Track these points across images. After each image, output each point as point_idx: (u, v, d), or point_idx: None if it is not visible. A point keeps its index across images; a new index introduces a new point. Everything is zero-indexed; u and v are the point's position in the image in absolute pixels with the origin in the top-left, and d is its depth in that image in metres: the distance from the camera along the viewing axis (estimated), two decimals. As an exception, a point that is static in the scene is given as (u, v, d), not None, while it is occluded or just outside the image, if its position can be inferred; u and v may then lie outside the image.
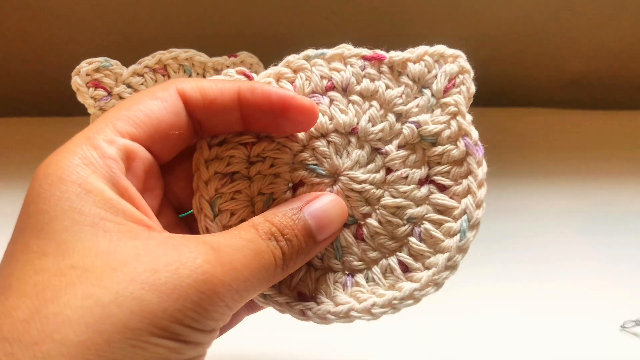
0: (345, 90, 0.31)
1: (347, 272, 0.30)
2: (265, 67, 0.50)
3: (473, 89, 0.31)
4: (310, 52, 0.32)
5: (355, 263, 0.30)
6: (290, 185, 0.31)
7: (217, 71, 0.49)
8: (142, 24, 0.64)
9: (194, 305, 0.21)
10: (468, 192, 0.29)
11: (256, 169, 0.30)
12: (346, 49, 0.32)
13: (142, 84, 0.47)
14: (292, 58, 0.32)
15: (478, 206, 0.29)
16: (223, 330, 0.32)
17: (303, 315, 0.29)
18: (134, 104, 0.26)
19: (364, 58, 0.32)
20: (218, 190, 0.30)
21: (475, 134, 0.29)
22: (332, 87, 0.31)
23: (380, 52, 0.32)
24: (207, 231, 0.29)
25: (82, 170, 0.23)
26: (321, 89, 0.31)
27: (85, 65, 0.44)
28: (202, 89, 0.27)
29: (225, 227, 0.29)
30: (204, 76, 0.48)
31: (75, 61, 0.45)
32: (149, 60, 0.47)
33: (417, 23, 0.64)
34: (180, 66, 0.47)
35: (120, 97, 0.46)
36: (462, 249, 0.28)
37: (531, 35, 0.65)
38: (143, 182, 0.26)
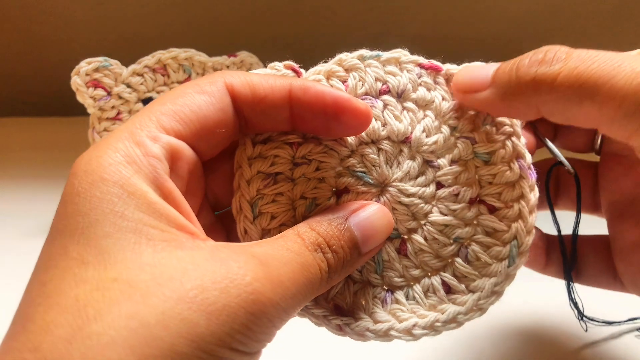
0: (400, 96, 0.30)
1: (387, 288, 0.29)
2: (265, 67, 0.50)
3: None
4: (364, 52, 0.30)
5: (396, 279, 0.29)
6: (334, 190, 0.29)
7: (217, 71, 0.49)
8: (142, 24, 0.64)
9: (243, 327, 0.20)
10: (519, 216, 0.28)
11: (301, 171, 0.29)
12: (403, 54, 0.30)
13: (141, 83, 0.47)
14: (344, 56, 0.30)
15: (529, 232, 0.27)
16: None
17: (340, 330, 0.28)
18: (180, 97, 0.24)
19: (421, 66, 0.30)
20: (260, 191, 0.28)
21: (529, 157, 0.28)
22: (387, 91, 0.30)
23: (436, 63, 0.30)
24: (246, 233, 0.28)
25: (124, 169, 0.21)
26: (375, 91, 0.30)
27: (85, 65, 0.44)
28: (252, 85, 0.25)
29: (264, 230, 0.28)
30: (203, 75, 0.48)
31: (75, 61, 0.45)
32: (149, 60, 0.47)
33: (417, 23, 0.64)
34: (180, 66, 0.47)
35: (120, 97, 0.46)
36: (510, 275, 0.27)
37: (531, 35, 0.65)
38: (187, 183, 0.25)
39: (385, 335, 0.27)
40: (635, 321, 0.38)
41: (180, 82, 0.48)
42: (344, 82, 0.30)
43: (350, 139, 0.29)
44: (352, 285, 0.29)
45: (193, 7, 0.63)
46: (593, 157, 0.34)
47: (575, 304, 0.35)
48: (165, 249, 0.21)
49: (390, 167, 0.29)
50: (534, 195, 0.28)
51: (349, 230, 0.26)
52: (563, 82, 0.24)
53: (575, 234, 0.33)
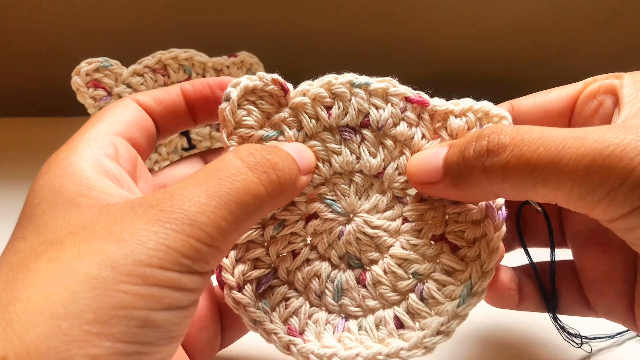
0: (380, 129, 0.30)
1: (342, 315, 0.30)
2: (265, 67, 0.50)
3: None
4: (353, 78, 0.30)
5: (352, 308, 0.29)
6: (303, 214, 0.30)
7: (217, 71, 0.49)
8: (142, 24, 0.64)
9: (158, 244, 0.21)
10: (478, 257, 0.28)
11: None
12: (392, 84, 0.30)
13: (141, 83, 0.47)
14: (333, 80, 0.30)
15: (484, 273, 0.28)
16: (224, 344, 0.32)
17: (287, 349, 0.28)
18: (104, 114, 0.29)
19: (407, 99, 0.30)
20: None
21: (500, 199, 0.28)
22: (367, 124, 0.30)
23: (424, 97, 0.30)
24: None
25: (67, 158, 0.25)
26: (355, 124, 0.30)
27: (85, 65, 0.45)
28: (151, 94, 0.30)
29: (234, 245, 0.29)
30: (203, 76, 0.48)
31: (75, 61, 0.45)
32: (149, 60, 0.47)
33: (417, 23, 0.64)
34: (180, 66, 0.47)
35: (120, 97, 0.46)
36: (458, 316, 0.27)
37: (531, 35, 0.65)
38: (133, 170, 0.28)
39: None
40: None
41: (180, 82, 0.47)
42: (328, 109, 0.30)
43: (325, 169, 0.30)
44: (308, 308, 0.30)
45: (193, 7, 0.63)
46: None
47: (569, 334, 0.35)
48: (91, 210, 0.23)
49: (359, 199, 0.30)
50: (497, 235, 0.28)
51: (283, 149, 0.27)
52: (513, 172, 0.24)
53: (552, 271, 0.33)
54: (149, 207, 0.22)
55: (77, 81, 0.44)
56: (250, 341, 0.34)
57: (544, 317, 0.35)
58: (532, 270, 0.34)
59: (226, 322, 0.31)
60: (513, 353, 0.38)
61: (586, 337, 0.36)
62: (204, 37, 0.61)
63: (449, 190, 0.28)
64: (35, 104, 0.69)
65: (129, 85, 0.46)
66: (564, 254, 0.35)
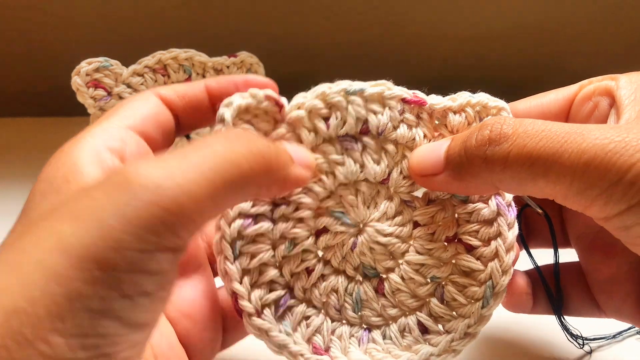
0: (381, 135, 0.29)
1: (365, 327, 0.29)
2: (265, 68, 0.50)
3: None
4: (348, 86, 0.29)
5: (374, 319, 0.29)
6: (313, 230, 0.30)
7: (217, 71, 0.49)
8: (142, 24, 0.64)
9: (115, 219, 0.18)
10: (495, 255, 0.28)
11: (280, 211, 0.29)
12: (387, 88, 0.29)
13: (142, 84, 0.47)
14: (327, 90, 0.28)
15: (504, 272, 0.27)
16: (225, 345, 0.32)
17: None
18: (121, 107, 0.28)
19: (404, 101, 0.29)
20: (240, 233, 0.28)
21: (509, 195, 0.28)
22: (367, 132, 0.29)
23: (420, 96, 0.29)
24: (226, 273, 0.27)
25: (69, 149, 0.25)
26: (355, 132, 0.29)
27: (85, 65, 0.45)
28: (174, 88, 0.29)
29: (245, 270, 0.28)
30: (203, 76, 0.48)
31: (75, 61, 0.45)
32: (149, 60, 0.47)
33: (417, 23, 0.64)
34: (180, 66, 0.47)
35: (120, 97, 0.46)
36: (483, 317, 0.27)
37: (531, 35, 0.65)
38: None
39: None
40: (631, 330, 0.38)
41: (180, 82, 0.48)
42: (325, 120, 0.29)
43: (329, 182, 0.29)
44: (330, 324, 0.29)
45: (193, 7, 0.63)
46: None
47: (572, 335, 0.35)
48: (66, 195, 0.22)
49: (368, 208, 0.30)
50: (512, 233, 0.28)
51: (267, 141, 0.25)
52: (514, 162, 0.25)
53: (556, 271, 0.33)
54: (114, 175, 0.19)
55: (77, 81, 0.44)
56: (249, 343, 0.34)
57: (543, 317, 0.35)
58: (538, 274, 0.34)
59: (228, 324, 0.31)
60: (511, 352, 0.38)
61: (587, 339, 0.36)
62: (204, 37, 0.61)
63: (450, 182, 0.27)
64: (35, 104, 0.69)
65: (129, 85, 0.46)
66: (570, 254, 0.35)
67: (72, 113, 0.53)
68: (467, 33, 0.64)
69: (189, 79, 0.48)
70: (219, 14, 0.63)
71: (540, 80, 0.68)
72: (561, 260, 0.34)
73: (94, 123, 0.27)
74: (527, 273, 0.34)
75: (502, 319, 0.40)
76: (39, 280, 0.17)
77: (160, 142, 0.28)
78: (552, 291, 0.33)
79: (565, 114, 0.31)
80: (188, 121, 0.30)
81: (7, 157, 0.62)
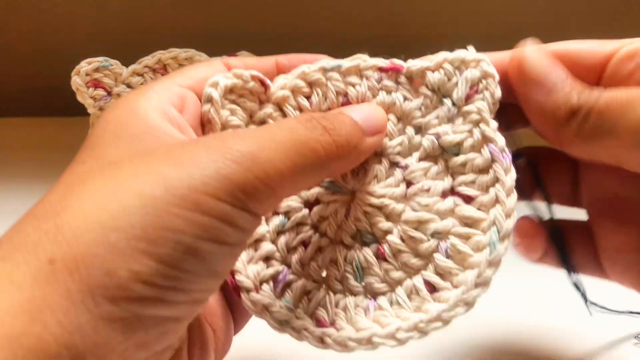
0: None
1: (369, 296, 0.28)
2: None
3: (498, 93, 0.29)
4: (325, 63, 0.30)
5: (378, 285, 0.28)
6: (305, 202, 0.29)
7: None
8: (142, 24, 0.64)
9: (215, 173, 0.20)
10: (496, 201, 0.27)
11: None
12: (362, 60, 0.30)
13: (141, 83, 0.47)
14: (307, 69, 0.30)
15: (508, 215, 0.27)
16: (237, 328, 0.31)
17: (322, 342, 0.26)
18: (187, 68, 0.29)
19: (381, 70, 0.30)
20: None
21: (501, 140, 0.28)
22: (348, 103, 0.30)
23: (397, 62, 0.30)
24: None
25: (135, 100, 0.25)
26: (337, 105, 0.30)
27: (85, 65, 0.45)
28: (244, 61, 0.30)
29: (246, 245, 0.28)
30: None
31: (75, 61, 0.45)
32: (149, 60, 0.47)
33: (417, 23, 0.64)
34: (180, 66, 0.48)
35: (120, 97, 0.46)
36: (493, 263, 0.26)
37: (531, 35, 0.65)
38: (197, 127, 0.28)
39: (368, 343, 0.26)
40: (636, 316, 0.38)
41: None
42: (308, 98, 0.30)
43: None
44: (333, 296, 0.28)
45: (193, 7, 0.63)
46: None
47: (578, 288, 0.34)
48: (153, 144, 0.23)
49: (357, 174, 0.29)
50: (510, 177, 0.27)
51: (344, 114, 0.27)
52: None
53: (553, 220, 0.33)
54: (212, 139, 0.22)
55: (76, 81, 0.44)
56: (249, 344, 0.34)
57: (543, 314, 0.35)
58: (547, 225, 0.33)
59: (234, 309, 0.31)
60: (509, 349, 0.38)
61: (594, 303, 0.35)
62: (204, 37, 0.61)
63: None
64: (36, 104, 0.69)
65: (128, 85, 0.46)
66: (577, 214, 0.34)
67: (72, 113, 0.53)
68: (467, 32, 0.64)
69: (188, 78, 0.48)
70: (219, 14, 0.63)
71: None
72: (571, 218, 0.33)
73: (156, 80, 0.28)
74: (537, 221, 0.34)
75: (500, 317, 0.40)
76: (139, 207, 0.19)
77: None
78: (560, 238, 0.33)
79: (601, 69, 0.30)
80: None
81: (7, 157, 0.62)
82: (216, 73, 0.29)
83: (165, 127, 0.24)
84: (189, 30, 0.64)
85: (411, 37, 0.64)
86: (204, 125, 0.29)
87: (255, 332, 0.31)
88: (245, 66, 0.30)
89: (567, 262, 0.33)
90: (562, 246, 0.33)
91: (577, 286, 0.34)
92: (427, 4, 0.62)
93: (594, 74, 0.29)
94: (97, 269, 0.18)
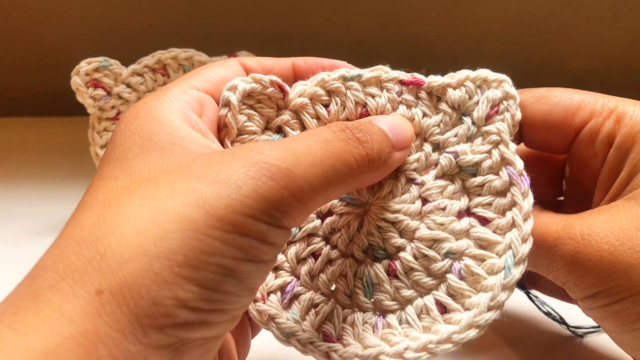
0: None
1: (378, 313, 0.28)
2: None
3: (519, 116, 0.29)
4: (345, 72, 0.29)
5: (387, 302, 0.27)
6: (318, 213, 0.29)
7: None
8: (142, 24, 0.64)
9: (252, 192, 0.20)
10: (513, 225, 0.27)
11: None
12: (383, 71, 0.29)
13: (141, 83, 0.47)
14: (326, 77, 0.29)
15: (524, 240, 0.26)
16: (254, 332, 0.31)
17: (327, 357, 0.26)
18: (204, 69, 0.28)
19: (402, 83, 0.30)
20: None
21: (520, 163, 0.27)
22: (367, 114, 0.29)
23: (418, 77, 0.30)
24: None
25: (156, 107, 0.25)
26: (355, 116, 0.29)
27: (84, 65, 0.44)
28: (260, 61, 0.30)
29: None
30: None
31: (75, 61, 0.45)
32: (149, 60, 0.46)
33: (417, 23, 0.64)
34: (179, 66, 0.47)
35: (120, 97, 0.46)
36: (507, 287, 0.25)
37: (531, 35, 0.65)
38: (215, 132, 0.28)
39: None
40: None
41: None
42: (326, 106, 0.30)
43: None
44: (341, 311, 0.28)
45: (193, 7, 0.63)
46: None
47: (551, 316, 0.35)
48: (183, 156, 0.23)
49: (372, 188, 0.29)
50: (527, 202, 0.27)
51: (375, 125, 0.27)
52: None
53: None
54: (248, 151, 0.22)
55: (76, 81, 0.44)
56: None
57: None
58: None
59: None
60: (502, 335, 0.38)
61: (572, 326, 0.36)
62: (204, 37, 0.61)
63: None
64: (35, 104, 0.69)
65: (128, 85, 0.46)
66: None
67: (71, 113, 0.53)
68: (467, 32, 0.64)
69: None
70: (219, 14, 0.63)
71: (541, 80, 0.68)
72: None
73: (173, 82, 0.27)
74: None
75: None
76: (180, 232, 0.19)
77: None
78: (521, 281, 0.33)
79: (573, 136, 0.30)
80: None
81: (7, 157, 0.62)
82: (233, 74, 0.29)
83: (191, 136, 0.24)
84: (189, 30, 0.64)
85: (411, 37, 0.65)
86: (220, 130, 0.28)
87: (261, 339, 0.31)
88: (261, 66, 0.29)
89: (530, 296, 0.34)
90: (522, 284, 0.34)
91: (549, 315, 0.35)
92: (427, 4, 0.62)
93: (567, 141, 0.31)
94: (144, 299, 0.19)
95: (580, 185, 0.32)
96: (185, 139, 0.24)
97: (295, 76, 0.30)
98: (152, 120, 0.24)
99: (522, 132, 0.31)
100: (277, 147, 0.22)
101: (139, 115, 0.25)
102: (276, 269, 0.28)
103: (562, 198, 0.35)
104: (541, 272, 0.28)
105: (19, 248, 0.46)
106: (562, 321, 0.37)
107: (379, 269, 0.28)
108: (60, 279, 0.19)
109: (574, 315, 0.35)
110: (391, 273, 0.28)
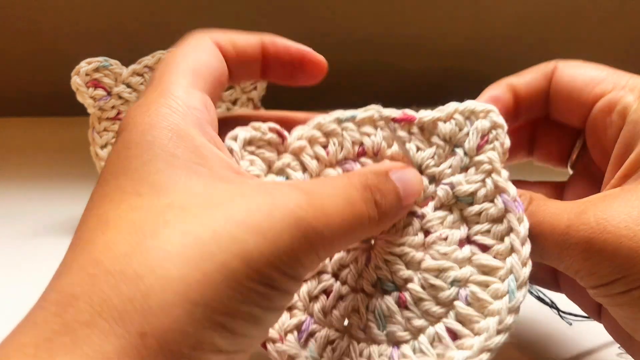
0: (377, 155, 0.31)
1: (393, 344, 0.28)
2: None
3: (508, 143, 0.30)
4: (340, 114, 0.31)
5: (400, 333, 0.28)
6: None
7: (195, 32, 0.48)
8: (142, 24, 0.64)
9: (287, 248, 0.21)
10: (512, 250, 0.28)
11: None
12: (376, 111, 0.31)
13: (141, 83, 0.47)
14: (322, 120, 0.31)
15: (524, 264, 0.27)
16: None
17: None
18: (182, 58, 0.27)
19: (394, 120, 0.31)
20: None
21: (512, 190, 0.28)
22: (364, 153, 0.31)
23: (409, 113, 0.31)
24: None
25: (171, 117, 0.24)
26: (353, 155, 0.31)
27: (85, 65, 0.45)
28: (232, 41, 0.29)
29: None
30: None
31: (75, 61, 0.45)
32: (149, 60, 0.47)
33: (417, 23, 0.64)
34: (180, 66, 0.47)
35: (120, 97, 0.46)
36: (512, 310, 0.26)
37: (531, 35, 0.65)
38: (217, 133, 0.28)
39: None
40: None
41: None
42: (324, 147, 0.31)
43: None
44: (357, 345, 0.28)
45: (193, 7, 0.63)
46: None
47: (544, 301, 0.35)
48: (215, 182, 0.22)
49: None
50: (523, 227, 0.28)
51: (391, 182, 0.27)
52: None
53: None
54: (287, 198, 0.22)
55: (76, 81, 0.44)
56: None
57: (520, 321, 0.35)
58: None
59: None
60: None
61: (564, 312, 0.36)
62: (204, 37, 0.61)
63: None
64: (35, 104, 0.69)
65: (128, 85, 0.46)
66: None
67: (72, 113, 0.53)
68: (467, 32, 0.64)
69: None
70: (219, 14, 0.63)
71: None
72: None
73: (168, 75, 0.26)
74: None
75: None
76: (222, 281, 0.19)
77: (214, 97, 0.28)
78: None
79: (590, 107, 0.31)
80: (237, 74, 0.30)
81: (7, 157, 0.62)
82: (215, 60, 0.28)
83: (214, 156, 0.24)
84: (189, 30, 0.64)
85: (410, 37, 0.65)
86: None
87: None
88: (232, 47, 0.29)
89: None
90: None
91: (542, 300, 0.35)
92: (427, 4, 0.62)
93: (585, 110, 0.31)
94: (185, 345, 0.19)
95: (592, 160, 0.32)
96: (209, 159, 0.23)
97: (264, 55, 0.30)
98: (172, 134, 0.23)
99: (548, 100, 0.31)
100: (313, 205, 0.22)
101: (154, 124, 0.23)
102: (290, 308, 0.29)
103: (565, 181, 0.35)
104: (550, 263, 0.28)
105: (19, 248, 0.46)
106: (553, 306, 0.37)
107: (390, 301, 0.29)
108: (97, 314, 0.18)
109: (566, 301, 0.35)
110: (401, 304, 0.29)
